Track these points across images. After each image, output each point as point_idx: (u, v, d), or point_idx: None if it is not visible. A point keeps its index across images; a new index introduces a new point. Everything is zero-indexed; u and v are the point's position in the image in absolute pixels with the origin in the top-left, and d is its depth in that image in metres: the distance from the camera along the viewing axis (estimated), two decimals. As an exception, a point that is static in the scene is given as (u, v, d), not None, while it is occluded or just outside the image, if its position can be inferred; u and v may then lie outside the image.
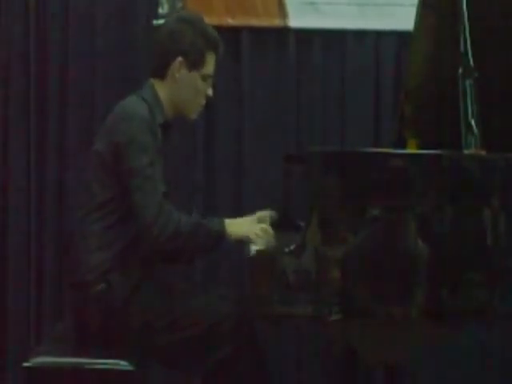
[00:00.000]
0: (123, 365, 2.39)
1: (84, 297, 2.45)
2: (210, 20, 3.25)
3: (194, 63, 2.55)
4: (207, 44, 2.56)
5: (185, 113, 2.61)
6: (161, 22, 3.32)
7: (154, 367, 2.82)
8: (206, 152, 3.43)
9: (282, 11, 3.42)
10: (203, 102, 2.62)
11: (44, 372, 2.40)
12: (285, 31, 3.43)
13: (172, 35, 2.55)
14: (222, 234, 2.47)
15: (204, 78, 2.58)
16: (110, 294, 2.43)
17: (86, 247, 2.46)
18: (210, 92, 2.61)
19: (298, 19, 3.42)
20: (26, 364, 2.40)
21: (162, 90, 2.57)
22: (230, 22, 3.39)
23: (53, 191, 3.38)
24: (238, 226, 2.51)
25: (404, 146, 2.84)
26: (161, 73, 2.57)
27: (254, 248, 2.44)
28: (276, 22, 3.42)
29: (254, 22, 3.41)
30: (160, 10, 3.37)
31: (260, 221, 2.61)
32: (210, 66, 2.58)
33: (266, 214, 2.66)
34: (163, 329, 2.44)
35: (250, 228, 2.52)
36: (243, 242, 2.55)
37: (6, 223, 3.37)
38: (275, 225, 2.67)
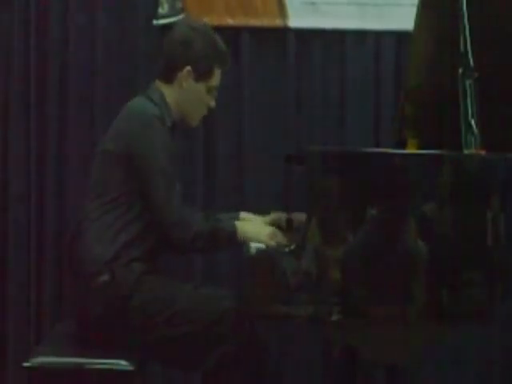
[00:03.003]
0: (123, 365, 2.39)
1: (87, 287, 2.46)
2: (210, 20, 3.26)
3: (202, 74, 2.59)
4: (217, 57, 2.60)
5: (186, 120, 2.66)
6: (161, 21, 3.33)
7: (153, 367, 2.83)
8: (205, 152, 3.43)
9: (282, 11, 3.42)
10: (205, 111, 2.67)
11: (44, 372, 2.40)
12: (285, 31, 3.43)
13: (184, 43, 2.58)
14: (233, 239, 2.53)
15: (209, 89, 2.62)
16: (112, 286, 2.44)
17: (91, 239, 2.48)
18: (212, 104, 2.66)
19: (298, 19, 3.42)
20: (26, 364, 2.40)
21: (167, 93, 2.61)
22: (230, 22, 3.39)
23: (53, 191, 3.38)
24: (249, 230, 2.55)
25: (404, 146, 2.84)
26: (168, 77, 2.60)
27: (254, 248, 2.45)
28: (276, 22, 3.42)
29: (254, 22, 3.41)
30: (160, 10, 3.36)
31: (273, 223, 2.66)
32: (216, 79, 2.63)
33: (280, 216, 2.69)
34: (163, 324, 2.45)
35: (261, 232, 2.56)
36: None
37: (6, 223, 3.37)
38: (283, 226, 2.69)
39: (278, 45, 3.46)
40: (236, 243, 2.55)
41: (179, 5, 3.37)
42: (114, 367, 2.39)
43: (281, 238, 2.54)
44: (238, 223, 2.58)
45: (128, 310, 2.44)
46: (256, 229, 2.58)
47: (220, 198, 3.44)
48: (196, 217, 2.51)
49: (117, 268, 2.45)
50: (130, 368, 2.39)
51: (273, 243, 2.51)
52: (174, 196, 2.48)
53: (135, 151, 2.47)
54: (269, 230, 2.57)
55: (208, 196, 3.43)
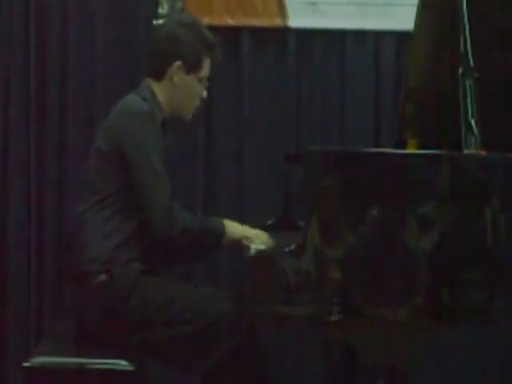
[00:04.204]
0: (123, 365, 2.39)
1: (85, 287, 2.46)
2: (210, 20, 3.27)
3: (192, 67, 2.60)
4: (205, 48, 2.61)
5: (180, 114, 2.66)
6: (161, 21, 3.33)
7: (153, 367, 2.82)
8: (206, 152, 3.43)
9: (282, 11, 3.42)
10: (198, 103, 2.67)
11: (44, 372, 2.40)
12: (285, 31, 3.43)
13: (171, 39, 2.60)
14: (222, 234, 2.54)
15: (200, 80, 2.63)
16: (111, 286, 2.44)
17: (87, 239, 2.48)
18: (204, 94, 2.67)
19: (298, 19, 3.42)
20: (26, 364, 2.40)
21: (159, 90, 2.61)
22: (230, 22, 3.39)
23: (53, 191, 3.38)
24: (235, 227, 2.58)
25: (404, 146, 2.84)
26: (158, 74, 2.61)
27: (254, 248, 2.45)
28: (276, 22, 3.42)
29: (254, 22, 3.41)
30: (160, 10, 3.36)
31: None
32: (206, 69, 2.64)
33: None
34: (162, 324, 2.45)
35: (247, 229, 2.59)
36: (241, 243, 2.58)
37: (6, 223, 3.37)
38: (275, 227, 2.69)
39: (278, 45, 3.46)
40: (223, 242, 2.56)
41: (179, 5, 3.37)
42: (114, 367, 2.39)
43: (266, 239, 2.56)
44: (226, 222, 2.58)
45: (127, 310, 2.43)
46: (243, 228, 2.59)
47: (220, 199, 3.44)
48: (184, 215, 2.49)
49: (115, 268, 2.45)
50: (130, 368, 2.39)
51: (257, 240, 2.54)
52: (162, 193, 2.46)
53: (124, 148, 2.46)
54: (256, 231, 2.59)
55: (208, 196, 3.43)
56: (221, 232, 2.54)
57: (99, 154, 2.52)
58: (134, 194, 2.47)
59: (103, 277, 2.44)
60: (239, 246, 2.59)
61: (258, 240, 2.54)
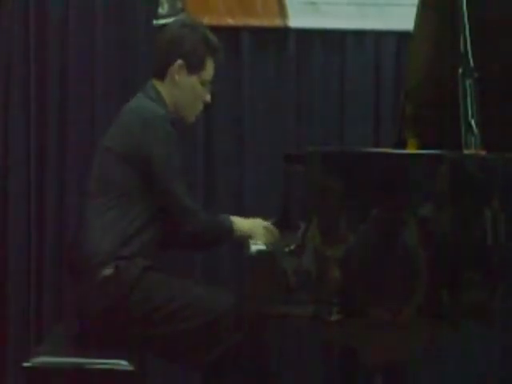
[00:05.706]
0: (123, 365, 2.38)
1: (88, 283, 2.46)
2: (210, 20, 3.27)
3: (194, 67, 2.61)
4: (207, 49, 2.62)
5: (183, 116, 2.67)
6: (161, 21, 3.33)
7: (153, 367, 2.82)
8: (205, 152, 3.43)
9: (282, 11, 3.42)
10: (201, 106, 2.69)
11: (44, 372, 2.39)
12: (285, 31, 3.43)
13: (174, 39, 2.61)
14: (230, 229, 2.59)
15: (203, 82, 2.64)
16: (114, 281, 2.44)
17: (92, 236, 2.48)
18: (207, 98, 2.68)
19: (298, 19, 3.42)
20: (26, 364, 2.40)
21: (163, 90, 2.63)
22: (230, 22, 3.39)
23: (53, 192, 3.38)
24: (242, 223, 2.62)
25: (404, 146, 2.84)
26: (161, 74, 2.62)
27: (254, 247, 2.45)
28: (276, 22, 3.42)
29: (254, 22, 3.41)
30: (160, 10, 3.37)
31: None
32: (209, 71, 2.65)
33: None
34: (163, 320, 2.45)
35: (254, 225, 2.63)
36: (243, 242, 2.58)
37: (6, 223, 3.37)
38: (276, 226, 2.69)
39: (278, 45, 3.46)
40: (232, 238, 2.61)
41: (179, 5, 3.38)
42: (114, 367, 2.39)
43: (275, 235, 2.61)
44: (234, 219, 2.61)
45: (129, 306, 2.43)
46: (251, 225, 2.63)
47: (220, 199, 3.44)
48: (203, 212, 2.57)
49: (120, 263, 2.44)
50: (130, 368, 2.39)
51: (263, 237, 2.58)
52: (185, 193, 2.52)
53: (144, 152, 2.47)
54: (264, 227, 2.63)
55: (208, 196, 3.43)
56: (229, 227, 2.58)
57: (109, 154, 2.53)
58: (154, 196, 2.50)
59: (107, 271, 2.44)
60: (242, 242, 2.60)
61: (264, 237, 2.59)
